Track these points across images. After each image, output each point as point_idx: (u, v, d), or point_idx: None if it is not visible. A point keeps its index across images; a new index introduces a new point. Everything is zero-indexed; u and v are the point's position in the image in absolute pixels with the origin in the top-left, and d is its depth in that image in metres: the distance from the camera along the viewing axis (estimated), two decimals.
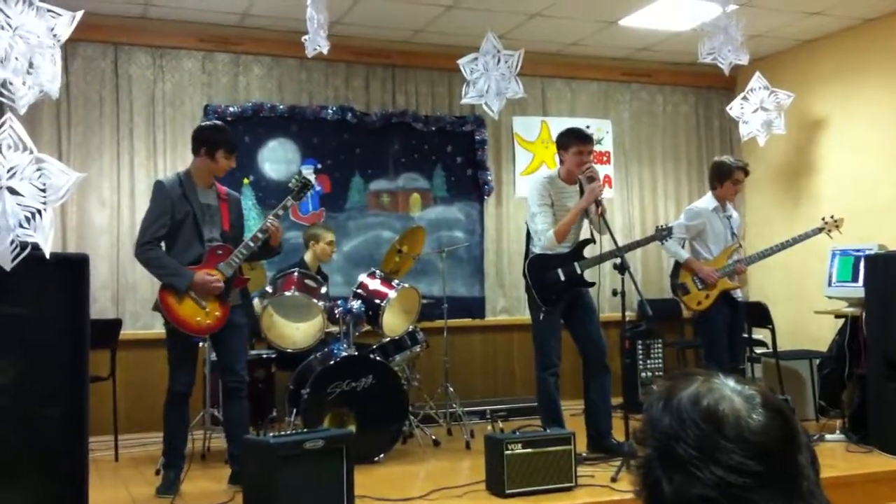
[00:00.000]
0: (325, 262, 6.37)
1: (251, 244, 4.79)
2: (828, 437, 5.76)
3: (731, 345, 6.08)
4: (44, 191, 3.71)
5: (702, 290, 5.92)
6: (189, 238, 4.76)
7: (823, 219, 6.17)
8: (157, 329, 6.40)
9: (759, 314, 6.53)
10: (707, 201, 6.09)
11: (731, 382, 1.19)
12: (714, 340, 6.02)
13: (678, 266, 6.05)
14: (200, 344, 5.17)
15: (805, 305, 6.99)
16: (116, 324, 6.00)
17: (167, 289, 4.69)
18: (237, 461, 4.80)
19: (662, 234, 5.63)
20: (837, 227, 6.12)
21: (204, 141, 4.87)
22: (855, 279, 6.33)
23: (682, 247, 6.07)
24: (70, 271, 3.95)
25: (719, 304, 5.91)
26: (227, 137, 4.95)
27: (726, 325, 5.95)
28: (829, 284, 6.61)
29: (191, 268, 4.70)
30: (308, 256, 6.26)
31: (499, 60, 5.55)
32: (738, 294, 6.07)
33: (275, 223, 4.86)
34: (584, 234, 5.59)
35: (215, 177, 4.97)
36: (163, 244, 4.79)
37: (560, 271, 5.38)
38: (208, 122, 5.25)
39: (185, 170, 4.98)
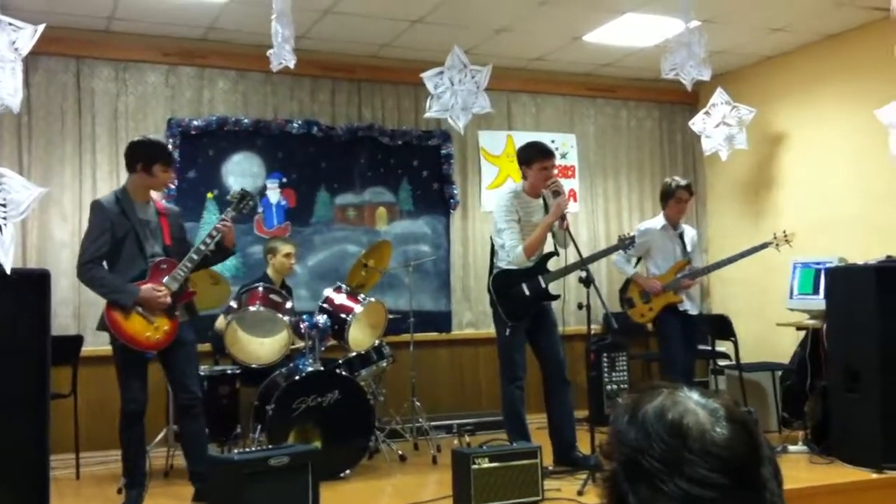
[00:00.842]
0: (286, 275, 6.33)
1: (195, 256, 4.76)
2: (790, 448, 5.82)
3: (689, 356, 6.25)
4: (4, 206, 3.68)
5: (645, 304, 6.16)
6: (131, 254, 4.72)
7: (774, 234, 6.35)
8: None
9: (722, 327, 6.60)
10: (656, 221, 6.31)
11: (695, 396, 1.20)
12: (665, 351, 6.24)
13: (628, 281, 6.33)
14: (150, 359, 5.11)
15: (767, 318, 7.07)
16: (77, 340, 5.91)
17: (113, 306, 4.64)
18: (200, 479, 4.75)
19: (625, 243, 5.75)
20: (788, 241, 6.30)
21: (139, 157, 4.82)
22: (816, 292, 6.42)
23: (635, 264, 6.33)
24: (31, 287, 3.91)
25: (666, 316, 6.09)
26: (162, 151, 4.93)
27: (679, 338, 6.09)
28: (791, 297, 6.69)
29: (136, 283, 4.66)
30: (270, 271, 6.23)
31: (465, 75, 5.57)
32: (688, 306, 6.15)
33: (227, 224, 4.83)
34: (548, 247, 5.61)
35: (159, 191, 4.96)
36: (104, 263, 4.73)
37: (525, 286, 5.39)
38: (140, 138, 5.20)
39: (121, 187, 4.93)
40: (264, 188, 6.99)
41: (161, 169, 4.82)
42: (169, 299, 4.68)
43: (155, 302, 4.64)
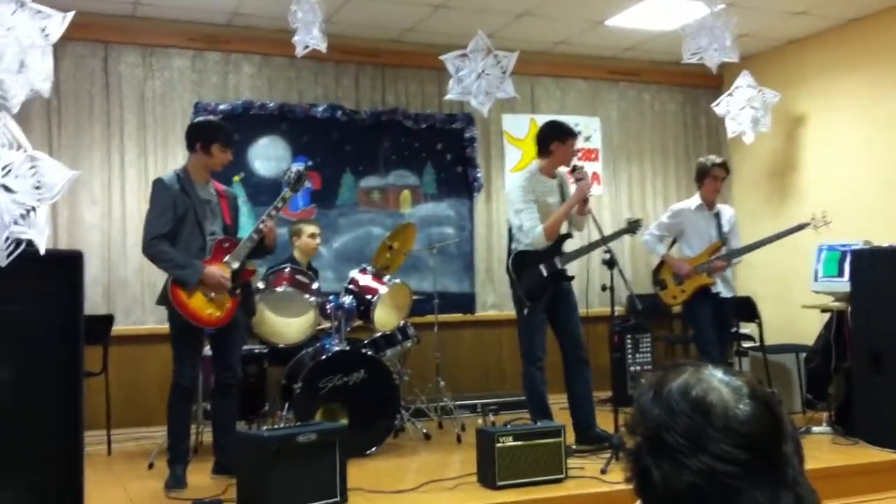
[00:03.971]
0: (311, 256, 6.39)
1: (251, 240, 4.87)
2: (814, 429, 5.82)
3: (719, 341, 6.11)
4: (38, 188, 3.73)
5: (678, 286, 6.04)
6: (191, 232, 4.82)
7: (813, 215, 6.15)
8: (149, 324, 6.45)
9: (747, 309, 6.60)
10: (691, 201, 6.18)
11: (719, 373, 1.22)
12: (699, 336, 6.13)
13: (661, 263, 6.19)
14: (208, 335, 5.21)
15: (792, 300, 7.05)
16: (108, 319, 6.01)
17: (178, 282, 4.73)
18: (224, 452, 4.89)
19: (633, 226, 5.70)
20: (827, 222, 6.09)
21: (198, 136, 4.92)
22: (841, 274, 6.39)
23: (670, 245, 6.19)
24: (64, 267, 3.97)
25: (698, 299, 5.97)
26: (221, 131, 4.99)
27: (711, 320, 5.99)
28: (816, 279, 6.67)
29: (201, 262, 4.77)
30: (296, 252, 6.30)
31: (491, 60, 5.56)
32: (721, 289, 6.01)
33: (268, 224, 4.91)
34: (563, 230, 5.63)
35: (213, 172, 5.01)
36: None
37: (542, 267, 5.43)
38: (201, 118, 5.28)
39: (182, 167, 5.01)
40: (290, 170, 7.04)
41: (219, 149, 4.90)
42: (230, 283, 4.77)
43: (216, 282, 4.73)
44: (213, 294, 4.75)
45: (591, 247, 5.39)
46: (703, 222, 6.07)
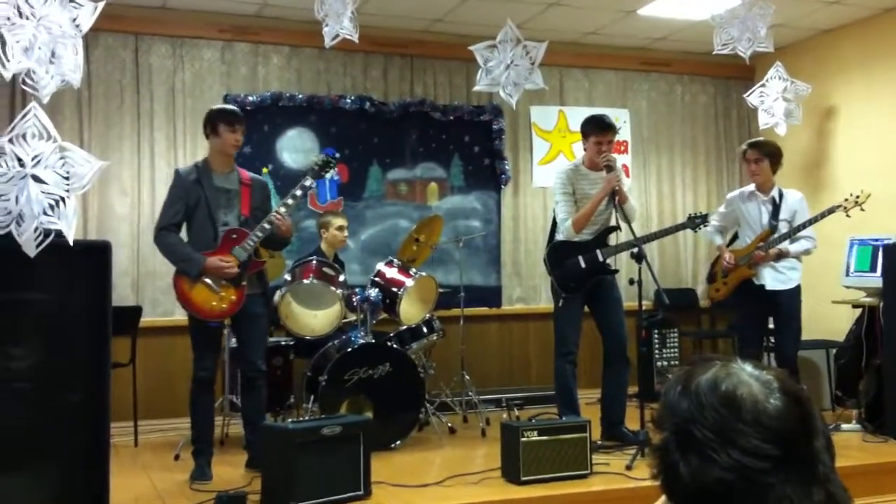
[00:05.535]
0: (338, 248, 6.39)
1: (258, 234, 4.79)
2: (844, 426, 5.75)
3: (779, 339, 5.84)
4: (67, 178, 3.76)
5: (723, 279, 5.84)
6: (202, 222, 4.83)
7: (846, 197, 5.76)
8: (177, 316, 6.46)
9: None
10: (746, 187, 5.93)
11: (748, 368, 1.21)
12: (738, 330, 6.03)
13: (719, 255, 6.02)
14: (225, 331, 5.22)
15: (822, 295, 6.96)
16: (136, 311, 6.05)
17: (180, 275, 4.75)
18: (254, 447, 4.88)
19: (696, 222, 5.60)
20: (860, 204, 5.68)
21: (207, 122, 4.96)
22: (873, 269, 6.29)
23: (732, 236, 6.01)
24: (93, 258, 3.99)
25: (740, 292, 5.72)
26: (225, 111, 5.00)
27: (753, 316, 5.79)
28: (847, 274, 6.57)
29: (204, 253, 4.75)
30: (323, 245, 6.29)
31: (520, 51, 5.53)
32: (766, 281, 5.60)
33: (279, 216, 4.82)
34: (612, 222, 5.57)
35: (228, 152, 4.94)
36: (181, 231, 4.87)
37: (581, 258, 5.39)
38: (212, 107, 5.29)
39: (203, 158, 5.05)
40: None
41: (225, 129, 4.87)
42: (236, 270, 4.74)
43: (221, 272, 4.71)
44: (217, 286, 4.73)
45: (634, 241, 5.18)
46: (755, 209, 5.74)
